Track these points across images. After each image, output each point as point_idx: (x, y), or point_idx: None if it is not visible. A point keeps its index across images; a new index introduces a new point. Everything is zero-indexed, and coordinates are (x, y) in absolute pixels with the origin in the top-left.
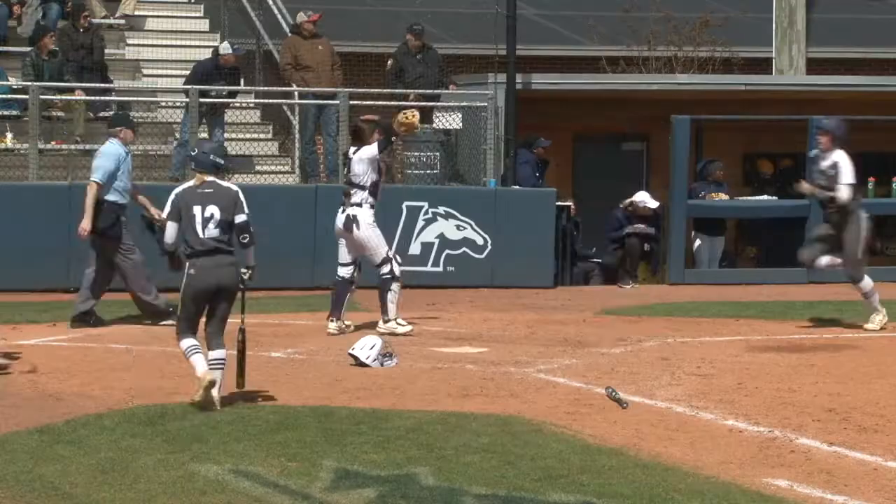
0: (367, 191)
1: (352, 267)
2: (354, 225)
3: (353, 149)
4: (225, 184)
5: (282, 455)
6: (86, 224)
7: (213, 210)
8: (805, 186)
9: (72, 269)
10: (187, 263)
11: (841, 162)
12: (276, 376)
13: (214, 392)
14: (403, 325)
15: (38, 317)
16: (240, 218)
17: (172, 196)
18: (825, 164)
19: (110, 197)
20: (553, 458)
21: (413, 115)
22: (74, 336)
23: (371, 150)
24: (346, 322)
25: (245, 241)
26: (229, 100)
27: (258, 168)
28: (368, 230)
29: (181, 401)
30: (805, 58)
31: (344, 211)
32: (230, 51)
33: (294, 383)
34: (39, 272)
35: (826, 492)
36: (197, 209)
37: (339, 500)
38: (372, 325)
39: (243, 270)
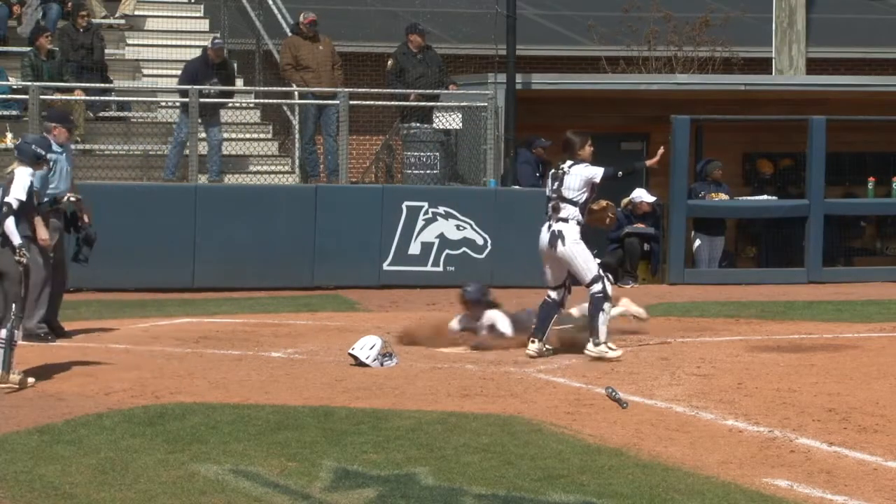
0: (578, 208)
1: (562, 289)
2: (560, 241)
3: (569, 162)
4: (20, 169)
5: (282, 455)
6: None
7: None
8: None
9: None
10: None
11: None
12: (276, 376)
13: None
14: (614, 350)
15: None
16: (6, 198)
17: None
18: None
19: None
20: (553, 458)
21: (607, 209)
22: (75, 336)
23: (594, 171)
24: (548, 346)
25: None
26: (225, 100)
27: (258, 168)
28: (575, 246)
29: (181, 401)
30: (805, 58)
31: (550, 227)
32: (211, 45)
33: (294, 383)
34: None
35: (826, 492)
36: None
37: (339, 500)
38: (372, 327)
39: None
